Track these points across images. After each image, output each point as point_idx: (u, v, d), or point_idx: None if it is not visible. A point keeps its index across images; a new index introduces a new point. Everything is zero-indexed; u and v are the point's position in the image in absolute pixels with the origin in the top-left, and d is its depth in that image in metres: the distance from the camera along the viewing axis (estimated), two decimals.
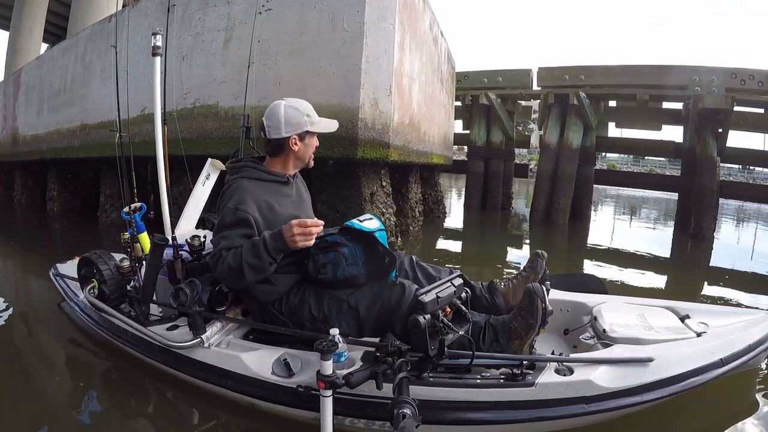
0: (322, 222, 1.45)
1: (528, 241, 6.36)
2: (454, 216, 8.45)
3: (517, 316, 1.50)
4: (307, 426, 1.36)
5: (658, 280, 4.15)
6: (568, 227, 7.07)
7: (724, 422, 1.60)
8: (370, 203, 3.97)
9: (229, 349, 1.55)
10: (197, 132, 4.00)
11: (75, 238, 5.35)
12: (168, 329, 1.67)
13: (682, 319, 1.67)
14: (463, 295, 1.47)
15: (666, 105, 7.95)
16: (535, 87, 8.38)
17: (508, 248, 5.71)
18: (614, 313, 1.70)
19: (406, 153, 4.31)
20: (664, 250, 6.06)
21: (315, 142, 1.66)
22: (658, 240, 7.08)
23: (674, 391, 1.33)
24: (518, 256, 5.14)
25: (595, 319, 1.69)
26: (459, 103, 8.99)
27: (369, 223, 1.56)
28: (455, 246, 5.48)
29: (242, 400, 1.48)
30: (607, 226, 8.71)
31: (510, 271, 4.15)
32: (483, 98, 8.64)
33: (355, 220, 1.55)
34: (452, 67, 7.31)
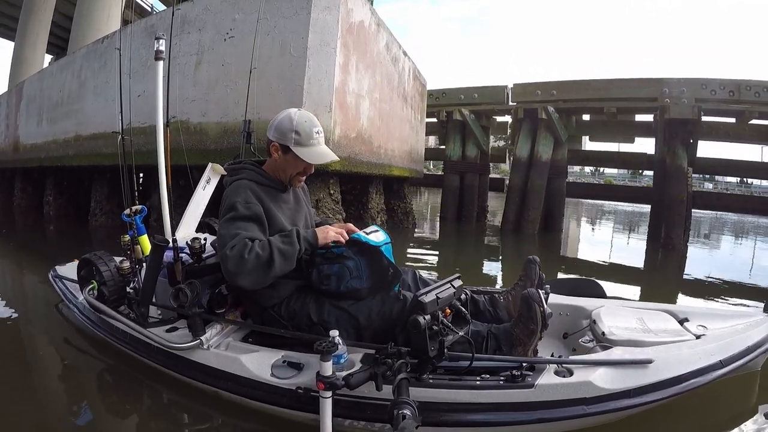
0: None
1: (499, 250, 6.53)
2: (430, 227, 8.81)
3: (518, 323, 1.50)
4: (307, 428, 1.36)
5: (627, 290, 4.12)
6: (538, 237, 7.30)
7: (723, 425, 1.60)
8: (316, 209, 4.25)
9: (229, 351, 1.55)
10: (171, 144, 4.39)
11: (67, 238, 5.82)
12: (167, 331, 1.67)
13: (681, 322, 1.67)
14: (463, 296, 1.48)
15: (639, 118, 8.14)
16: (511, 102, 8.62)
17: (478, 256, 5.86)
18: (613, 317, 1.70)
19: (353, 164, 4.57)
20: (638, 261, 6.14)
21: (303, 167, 1.56)
22: (634, 251, 7.23)
23: (674, 392, 1.33)
24: (488, 263, 5.32)
25: (594, 322, 1.70)
26: (435, 120, 9.38)
27: (375, 236, 1.56)
28: (423, 253, 5.56)
29: (241, 402, 1.47)
30: (584, 237, 8.97)
31: (486, 276, 4.23)
32: (457, 114, 8.93)
33: (361, 233, 1.55)
34: (422, 85, 7.55)
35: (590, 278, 2.20)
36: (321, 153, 1.55)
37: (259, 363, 1.45)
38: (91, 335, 2.04)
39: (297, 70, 3.82)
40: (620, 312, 1.76)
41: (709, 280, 4.69)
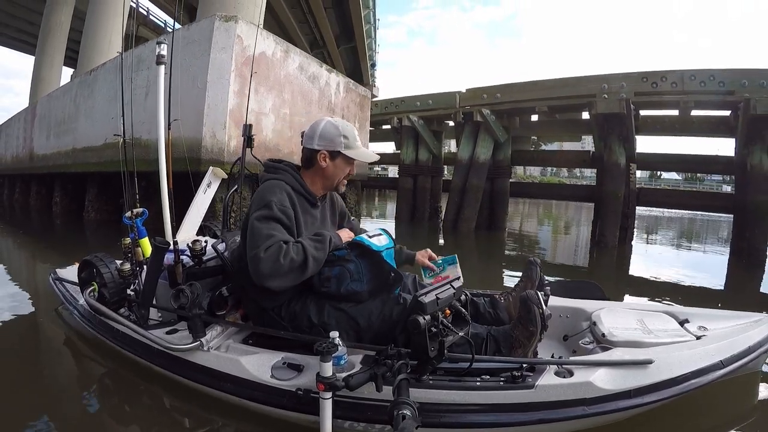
0: None
1: (440, 246, 6.70)
2: (379, 225, 9.32)
3: (518, 325, 1.50)
4: (307, 429, 1.36)
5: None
6: (476, 235, 7.64)
7: (724, 425, 1.59)
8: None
9: (229, 353, 1.54)
10: (128, 155, 5.16)
11: (68, 230, 7.18)
12: (167, 333, 1.67)
13: (682, 323, 1.67)
14: (463, 297, 1.48)
15: (586, 116, 8.04)
16: (466, 108, 8.86)
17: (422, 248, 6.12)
18: (613, 318, 1.70)
19: (257, 168, 5.32)
20: (579, 259, 6.23)
21: (349, 168, 1.62)
22: (579, 250, 7.41)
23: (674, 393, 1.32)
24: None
25: (595, 324, 1.70)
26: (388, 126, 10.07)
27: (378, 239, 1.56)
28: None
29: (241, 404, 1.47)
30: (533, 236, 9.19)
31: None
32: (406, 120, 9.28)
33: (364, 236, 1.56)
34: (360, 96, 8.12)
35: (591, 281, 2.20)
36: (367, 153, 1.65)
37: (259, 364, 1.45)
38: (91, 337, 2.04)
39: (200, 98, 4.87)
40: (620, 313, 1.76)
41: (644, 280, 4.64)
